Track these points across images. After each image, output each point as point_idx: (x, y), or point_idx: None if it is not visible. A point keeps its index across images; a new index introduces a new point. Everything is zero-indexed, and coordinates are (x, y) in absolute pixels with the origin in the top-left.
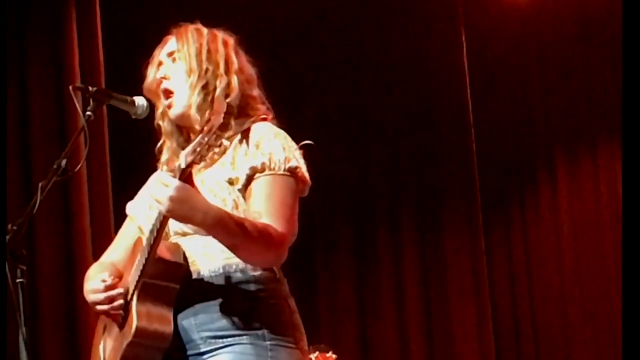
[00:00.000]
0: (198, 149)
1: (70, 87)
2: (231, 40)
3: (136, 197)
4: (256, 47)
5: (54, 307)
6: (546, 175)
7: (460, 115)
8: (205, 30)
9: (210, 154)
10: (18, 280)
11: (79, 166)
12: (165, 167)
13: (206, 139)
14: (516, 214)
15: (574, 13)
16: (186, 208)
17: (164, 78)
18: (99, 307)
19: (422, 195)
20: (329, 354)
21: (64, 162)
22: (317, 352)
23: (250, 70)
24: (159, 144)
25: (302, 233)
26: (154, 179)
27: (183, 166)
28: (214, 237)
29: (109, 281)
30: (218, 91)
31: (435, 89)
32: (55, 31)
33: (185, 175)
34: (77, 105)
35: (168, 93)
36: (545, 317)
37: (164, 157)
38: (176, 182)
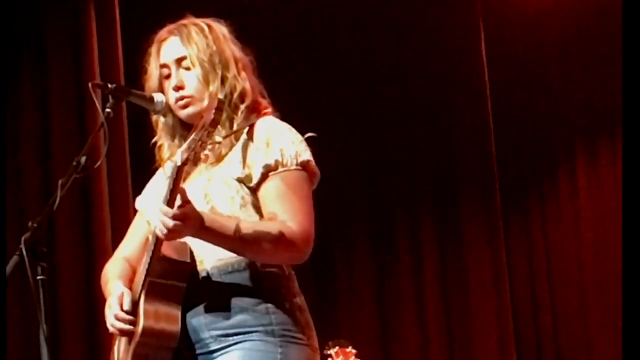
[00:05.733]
0: (192, 146)
1: (90, 85)
2: (226, 31)
3: (144, 191)
4: (271, 40)
5: (74, 304)
6: (566, 169)
7: (479, 110)
8: (204, 27)
9: (205, 150)
10: (39, 278)
11: (98, 163)
12: (168, 164)
13: (199, 135)
14: (536, 208)
15: (594, 6)
16: (198, 229)
17: (180, 87)
18: (110, 328)
19: (440, 190)
20: (349, 349)
21: (83, 159)
22: (337, 347)
23: (246, 60)
24: (154, 140)
25: (321, 229)
26: (146, 196)
27: (179, 164)
28: (225, 248)
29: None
30: (235, 96)
31: (454, 83)
32: (74, 29)
33: (182, 173)
34: (96, 102)
35: (184, 98)
36: (565, 311)
37: (165, 154)
38: (184, 213)
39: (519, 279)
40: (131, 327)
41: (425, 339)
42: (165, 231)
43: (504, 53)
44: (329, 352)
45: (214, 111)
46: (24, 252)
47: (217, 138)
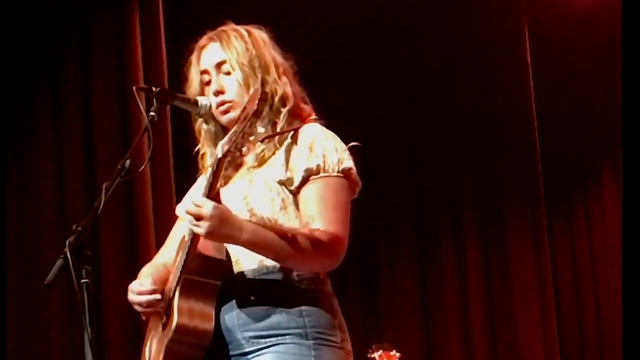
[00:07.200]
0: (234, 138)
1: (134, 88)
2: (266, 37)
3: (184, 199)
4: (317, 47)
5: (118, 308)
6: (610, 173)
7: (524, 112)
8: (244, 32)
9: (246, 143)
10: (83, 281)
11: (142, 167)
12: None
13: (241, 126)
14: (580, 212)
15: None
16: (225, 226)
17: (220, 92)
18: (137, 308)
19: (484, 194)
20: (393, 352)
21: (127, 162)
22: (380, 351)
23: (287, 66)
24: (197, 148)
25: (366, 233)
26: (187, 202)
27: (219, 156)
28: (254, 251)
29: (148, 285)
30: (276, 100)
31: (498, 85)
32: (119, 32)
33: (222, 166)
34: (140, 106)
35: (224, 103)
36: (609, 316)
37: (208, 161)
38: (211, 203)
39: (563, 282)
40: (151, 297)
41: (469, 343)
42: (194, 221)
43: (549, 59)
44: (372, 356)
45: (257, 102)
46: (69, 256)
47: (260, 129)
